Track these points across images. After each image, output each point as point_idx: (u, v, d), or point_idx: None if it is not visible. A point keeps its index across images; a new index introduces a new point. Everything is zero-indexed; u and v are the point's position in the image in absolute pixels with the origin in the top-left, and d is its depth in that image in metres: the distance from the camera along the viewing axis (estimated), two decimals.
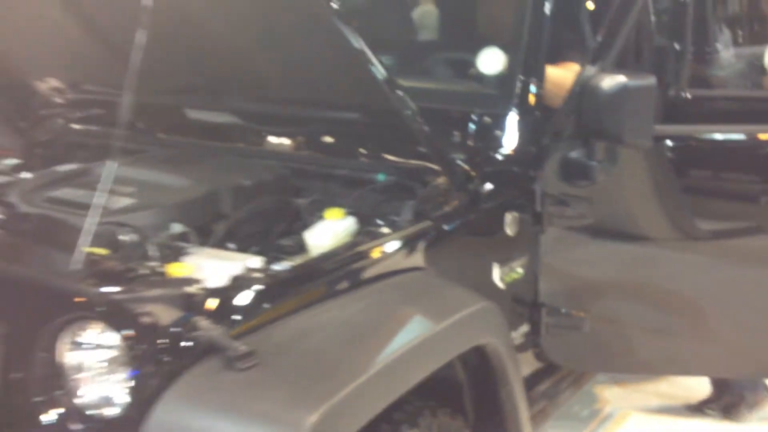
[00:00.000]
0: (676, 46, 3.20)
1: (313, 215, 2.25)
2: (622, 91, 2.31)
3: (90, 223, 1.75)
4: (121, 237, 1.93)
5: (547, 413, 2.73)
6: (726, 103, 3.30)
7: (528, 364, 2.64)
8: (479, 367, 2.15)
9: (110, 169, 1.84)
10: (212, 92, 2.61)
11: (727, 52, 3.94)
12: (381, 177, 2.35)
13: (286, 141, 2.60)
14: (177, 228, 2.04)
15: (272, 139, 2.63)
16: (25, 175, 2.56)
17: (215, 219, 2.19)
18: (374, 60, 1.99)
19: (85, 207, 1.95)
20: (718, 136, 2.86)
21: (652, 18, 3.01)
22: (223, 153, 2.61)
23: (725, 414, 3.58)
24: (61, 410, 1.71)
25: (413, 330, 1.85)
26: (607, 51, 2.51)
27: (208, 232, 2.13)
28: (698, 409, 3.64)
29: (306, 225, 2.21)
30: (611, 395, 3.80)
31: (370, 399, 1.66)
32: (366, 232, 2.12)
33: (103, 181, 1.83)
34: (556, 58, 2.62)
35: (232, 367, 1.59)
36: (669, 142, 2.75)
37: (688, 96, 3.11)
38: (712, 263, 2.82)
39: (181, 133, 2.70)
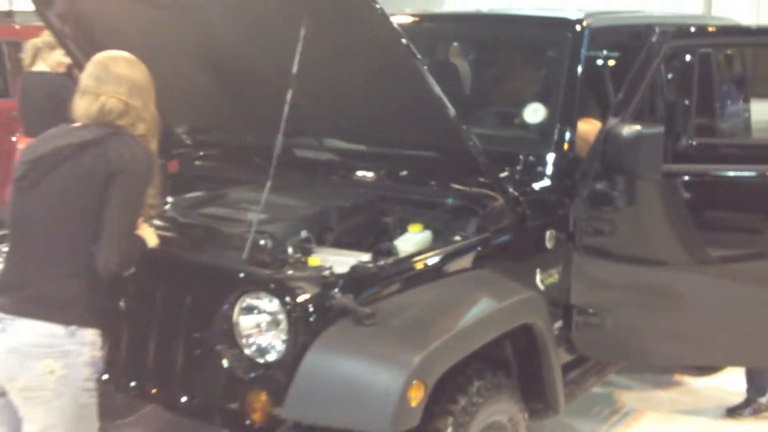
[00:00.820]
0: (685, 102, 3.93)
1: (399, 229, 2.95)
2: (637, 138, 3.01)
3: (245, 229, 2.48)
4: (261, 240, 2.63)
5: (574, 395, 3.37)
6: (725, 149, 4.00)
7: (561, 355, 3.30)
8: (526, 347, 2.82)
9: (245, 193, 2.54)
10: (315, 135, 3.32)
11: (729, 107, 4.67)
12: (450, 201, 3.05)
13: (370, 174, 3.32)
14: (304, 234, 2.74)
15: (359, 173, 3.34)
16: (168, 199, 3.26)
17: (326, 230, 2.89)
18: (450, 107, 2.68)
19: (231, 220, 2.69)
20: (721, 173, 3.51)
21: (665, 78, 3.73)
22: (323, 183, 3.31)
23: (730, 414, 4.19)
24: (235, 357, 2.40)
25: (483, 306, 2.55)
26: (626, 106, 3.22)
27: (323, 239, 2.83)
28: (730, 413, 4.24)
29: (393, 236, 2.91)
30: (628, 398, 4.43)
31: (453, 351, 2.35)
32: (443, 241, 2.82)
33: (246, 201, 2.54)
34: (584, 113, 3.33)
35: (359, 325, 2.29)
36: (682, 179, 3.41)
37: (694, 143, 3.83)
38: (714, 282, 3.45)
39: (290, 167, 3.41)
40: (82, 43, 3.18)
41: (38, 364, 2.23)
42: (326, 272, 2.43)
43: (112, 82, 2.39)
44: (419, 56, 2.58)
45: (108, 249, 2.27)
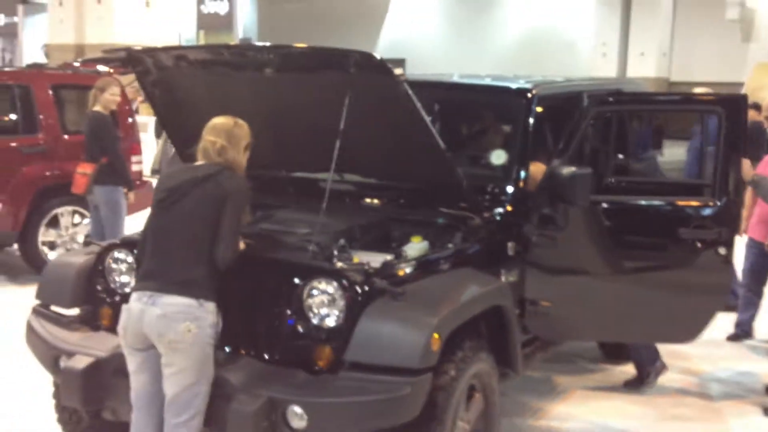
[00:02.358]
0: (606, 150, 5.21)
1: (404, 240, 4.08)
2: (573, 176, 4.22)
3: (299, 238, 3.60)
4: (311, 246, 3.73)
5: (528, 365, 4.53)
6: (634, 184, 5.28)
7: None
8: (495, 325, 3.96)
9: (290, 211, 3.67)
10: (336, 170, 4.42)
11: (642, 152, 5.99)
12: (440, 220, 4.21)
13: (377, 200, 4.45)
14: (342, 242, 3.85)
15: (368, 200, 4.47)
16: None
17: (353, 240, 4.00)
18: (443, 146, 3.84)
19: (283, 232, 3.80)
20: (631, 202, 4.72)
21: (592, 133, 4.97)
22: (340, 207, 4.39)
23: (643, 385, 5.42)
24: (306, 327, 3.49)
25: (472, 290, 3.72)
26: (564, 153, 4.44)
27: (352, 246, 3.94)
28: (626, 386, 5.49)
29: (401, 245, 4.04)
30: (563, 380, 5.63)
31: (456, 317, 3.49)
32: (438, 248, 3.96)
33: (290, 219, 3.68)
34: (534, 158, 4.54)
35: (395, 300, 3.41)
36: (603, 206, 4.60)
37: (612, 180, 5.10)
38: (623, 285, 4.63)
39: (314, 196, 4.48)
40: (167, 102, 4.26)
41: (180, 325, 3.29)
42: (366, 266, 3.56)
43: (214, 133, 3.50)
44: (427, 117, 3.75)
45: (225, 246, 3.37)
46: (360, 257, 3.75)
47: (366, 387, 3.30)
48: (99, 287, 3.97)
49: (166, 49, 4.17)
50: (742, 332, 6.51)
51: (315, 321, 3.50)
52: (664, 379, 5.52)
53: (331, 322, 3.47)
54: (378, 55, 3.55)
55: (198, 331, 3.31)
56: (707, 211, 4.52)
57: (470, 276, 3.89)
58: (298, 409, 3.27)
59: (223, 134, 3.49)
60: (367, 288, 3.46)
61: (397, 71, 3.58)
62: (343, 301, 3.44)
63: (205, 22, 22.84)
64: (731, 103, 4.52)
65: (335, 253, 3.71)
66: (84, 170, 6.83)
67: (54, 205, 7.69)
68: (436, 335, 3.31)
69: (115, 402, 3.65)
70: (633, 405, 5.25)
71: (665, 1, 23.23)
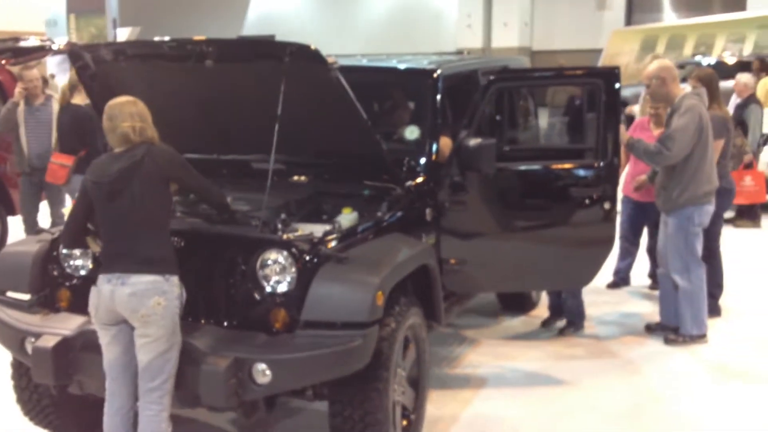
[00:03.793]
0: (501, 122, 5.78)
1: (336, 211, 4.50)
2: (479, 146, 4.76)
3: (242, 215, 3.99)
4: (255, 222, 4.11)
5: (448, 316, 5.06)
6: (526, 152, 5.89)
7: None
8: (420, 282, 4.46)
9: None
10: (266, 151, 4.76)
11: (528, 123, 6.60)
12: (366, 192, 4.66)
13: (303, 178, 4.85)
14: (283, 216, 4.25)
15: (295, 178, 4.87)
16: None
17: (290, 214, 4.40)
18: (371, 127, 4.28)
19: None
20: (528, 167, 5.28)
21: (492, 107, 5.51)
22: (272, 186, 4.76)
23: (559, 333, 6.07)
24: (261, 294, 3.88)
25: (404, 252, 4.19)
26: (470, 126, 4.97)
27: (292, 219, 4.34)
28: (543, 325, 6.13)
29: (334, 216, 4.46)
30: (470, 332, 6.22)
31: (394, 276, 3.96)
32: (367, 217, 4.41)
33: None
34: (443, 132, 5.04)
35: (340, 263, 3.85)
36: (502, 173, 5.15)
37: (507, 149, 5.68)
38: (517, 243, 5.23)
39: (246, 176, 4.84)
40: (105, 95, 4.51)
41: (150, 300, 3.63)
42: (311, 235, 3.98)
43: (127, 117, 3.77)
44: (354, 98, 4.17)
45: (211, 192, 3.89)
46: (303, 227, 4.17)
47: (321, 342, 3.73)
48: (55, 272, 4.23)
49: (107, 45, 4.42)
50: (621, 280, 7.28)
51: (269, 288, 3.89)
52: (559, 324, 6.22)
53: (283, 287, 3.87)
54: (313, 46, 3.95)
55: (167, 303, 3.66)
56: (592, 172, 5.16)
57: (400, 240, 4.37)
58: (262, 366, 3.67)
59: (136, 116, 3.76)
60: (314, 255, 3.88)
61: (330, 59, 3.99)
62: (294, 268, 3.86)
63: (75, 5, 22.30)
64: (608, 75, 5.16)
65: (279, 226, 4.11)
66: (62, 161, 7.00)
67: None
68: (380, 292, 3.78)
69: (84, 376, 3.96)
70: (533, 350, 5.89)
71: None
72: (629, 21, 24.12)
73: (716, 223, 6.28)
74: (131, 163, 3.70)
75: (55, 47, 8.87)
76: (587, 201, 5.13)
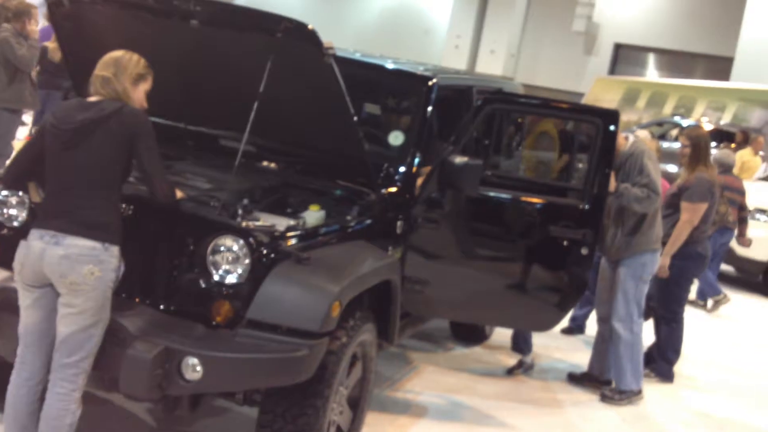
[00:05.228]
0: (487, 145, 5.47)
1: (302, 207, 4.17)
2: (465, 166, 4.45)
3: (200, 193, 3.62)
4: (214, 203, 3.76)
5: (401, 337, 4.74)
6: (507, 180, 5.59)
7: None
8: (381, 297, 4.13)
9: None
10: (238, 129, 4.42)
11: (513, 150, 6.31)
12: (337, 192, 4.33)
13: (273, 164, 4.51)
14: (246, 201, 3.89)
15: (264, 163, 4.52)
16: None
17: (253, 201, 4.04)
18: (356, 122, 3.95)
19: (187, 185, 3.80)
20: (510, 196, 4.93)
21: (482, 128, 5.21)
22: (238, 167, 4.42)
23: (508, 372, 5.81)
24: (207, 282, 3.52)
25: (369, 263, 3.87)
26: (457, 144, 4.66)
27: (254, 207, 3.99)
28: (508, 372, 5.86)
29: (299, 211, 4.12)
30: (416, 356, 5.92)
31: (355, 287, 3.64)
32: (334, 219, 4.08)
33: (188, 173, 3.70)
34: (427, 147, 4.72)
35: (299, 263, 3.51)
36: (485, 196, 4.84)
37: (489, 173, 5.37)
38: (477, 273, 4.92)
39: (213, 152, 4.49)
40: (75, 37, 4.13)
41: (84, 268, 3.24)
42: (273, 227, 3.63)
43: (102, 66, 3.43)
44: (345, 90, 3.84)
45: (156, 183, 3.39)
46: (265, 218, 3.82)
47: (264, 345, 3.39)
48: None
49: None
50: (576, 327, 7.05)
51: (216, 277, 3.54)
52: (511, 363, 5.95)
53: (233, 279, 3.52)
54: (311, 25, 3.61)
55: (101, 274, 3.28)
56: (575, 213, 4.87)
57: (368, 249, 4.05)
58: (194, 361, 3.31)
59: (111, 66, 3.42)
60: (273, 250, 3.53)
61: (327, 43, 3.65)
62: (248, 260, 3.51)
63: None
64: (608, 116, 4.89)
65: (240, 212, 3.76)
66: None
67: None
68: (337, 302, 3.45)
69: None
70: (479, 384, 5.61)
71: (519, 3, 24.21)
72: (613, 70, 24.14)
73: (684, 287, 6.11)
74: (98, 116, 3.33)
75: None
76: (565, 243, 4.85)
